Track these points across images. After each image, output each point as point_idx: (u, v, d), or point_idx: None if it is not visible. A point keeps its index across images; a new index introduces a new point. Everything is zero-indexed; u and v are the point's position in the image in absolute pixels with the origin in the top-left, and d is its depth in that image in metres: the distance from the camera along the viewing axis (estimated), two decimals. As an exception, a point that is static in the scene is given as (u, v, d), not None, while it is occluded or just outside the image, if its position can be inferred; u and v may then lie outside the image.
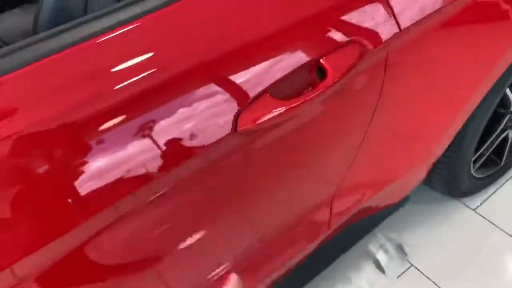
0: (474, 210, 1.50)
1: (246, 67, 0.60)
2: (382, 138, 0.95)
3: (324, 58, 0.65)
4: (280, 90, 0.63)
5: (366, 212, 1.18)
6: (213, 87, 0.58)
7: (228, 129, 0.59)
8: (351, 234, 1.28)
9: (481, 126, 1.19)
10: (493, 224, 1.45)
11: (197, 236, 0.72)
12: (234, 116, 0.59)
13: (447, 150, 1.20)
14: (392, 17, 0.71)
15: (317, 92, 0.64)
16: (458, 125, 1.11)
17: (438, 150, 1.17)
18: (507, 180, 1.56)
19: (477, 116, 1.14)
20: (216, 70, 0.58)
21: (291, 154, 0.76)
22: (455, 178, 1.31)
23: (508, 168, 1.53)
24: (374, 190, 1.05)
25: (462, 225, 1.46)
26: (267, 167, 0.72)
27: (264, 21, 0.62)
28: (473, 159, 1.30)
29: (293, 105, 0.62)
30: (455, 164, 1.25)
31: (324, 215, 0.94)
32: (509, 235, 1.41)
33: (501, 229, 1.43)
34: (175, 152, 0.57)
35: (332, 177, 0.89)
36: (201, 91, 0.58)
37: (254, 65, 0.60)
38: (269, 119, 0.61)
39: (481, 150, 1.31)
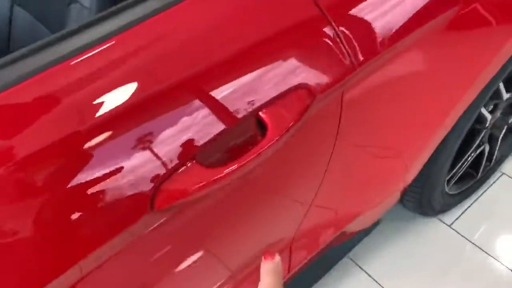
0: (449, 226, 1.43)
1: (162, 128, 0.49)
2: (344, 176, 0.85)
3: (264, 110, 0.55)
4: (210, 154, 0.52)
5: (338, 239, 1.10)
6: (121, 155, 0.47)
7: (142, 209, 0.48)
8: (323, 262, 1.21)
9: (455, 146, 1.11)
10: (469, 240, 1.39)
11: None
12: (150, 192, 0.48)
13: (420, 171, 1.12)
14: (345, 52, 0.60)
15: (256, 154, 0.53)
16: (430, 149, 1.03)
17: (411, 175, 1.08)
18: (482, 193, 1.50)
19: (451, 137, 1.05)
20: (121, 131, 0.47)
21: (233, 211, 0.66)
22: (428, 198, 1.23)
23: (484, 181, 1.46)
24: (338, 228, 0.96)
25: (438, 242, 1.40)
26: (204, 231, 0.62)
27: (187, 68, 0.51)
28: (447, 178, 1.23)
29: (225, 172, 0.51)
30: (428, 185, 1.18)
31: (283, 262, 0.85)
32: (484, 251, 1.36)
33: (476, 246, 1.37)
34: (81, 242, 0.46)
35: (286, 227, 0.79)
36: (106, 161, 0.46)
37: (173, 125, 0.50)
38: (197, 191, 0.50)
39: (455, 169, 1.23)
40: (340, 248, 1.21)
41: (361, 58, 0.61)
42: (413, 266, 1.36)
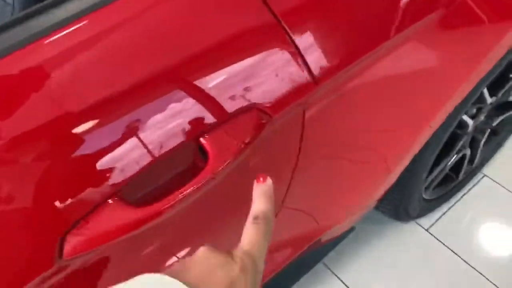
0: (427, 230, 1.39)
1: (79, 159, 0.41)
2: (314, 189, 0.79)
3: (206, 136, 0.47)
4: (137, 188, 0.44)
5: (312, 247, 1.04)
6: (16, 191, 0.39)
7: (45, 259, 0.40)
8: (296, 268, 1.16)
9: (433, 154, 1.04)
10: (446, 246, 1.34)
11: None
12: (58, 238, 0.41)
13: (397, 178, 1.06)
14: (304, 66, 0.52)
15: (193, 187, 0.45)
16: (406, 161, 0.96)
17: (392, 181, 1.02)
18: (463, 196, 1.45)
19: (428, 145, 0.99)
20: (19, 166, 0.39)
21: (182, 229, 0.58)
22: (404, 205, 1.17)
23: (465, 184, 1.41)
24: (310, 239, 0.90)
25: (414, 247, 1.35)
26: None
27: (111, 85, 0.43)
28: (425, 186, 1.17)
29: (155, 212, 0.43)
30: (404, 193, 1.12)
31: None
32: (461, 258, 1.31)
33: (453, 251, 1.33)
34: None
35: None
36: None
37: (91, 154, 0.42)
38: (118, 236, 0.43)
39: (434, 175, 1.17)
40: (313, 254, 1.16)
41: (324, 73, 0.53)
42: (387, 271, 1.31)
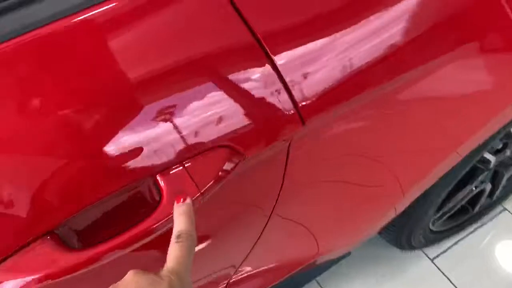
0: (432, 260, 1.30)
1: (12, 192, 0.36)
2: (304, 221, 0.72)
3: (163, 172, 0.41)
4: (74, 231, 0.39)
5: (307, 267, 0.99)
6: None
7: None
8: (289, 284, 1.11)
9: (448, 187, 0.95)
10: (450, 280, 1.26)
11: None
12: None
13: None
14: (288, 98, 0.44)
15: (142, 231, 0.40)
16: (421, 189, 0.87)
17: (394, 214, 0.94)
18: (477, 228, 1.34)
19: (444, 178, 0.90)
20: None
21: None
22: (407, 236, 1.09)
23: (480, 217, 1.30)
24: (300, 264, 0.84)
25: (415, 277, 1.26)
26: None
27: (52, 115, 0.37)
28: (434, 218, 1.08)
29: (91, 257, 0.38)
30: (409, 225, 1.03)
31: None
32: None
33: (455, 286, 1.24)
34: None
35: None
36: None
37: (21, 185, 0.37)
38: (45, 279, 0.38)
39: (445, 209, 1.08)
40: (307, 273, 1.11)
41: (312, 109, 0.46)
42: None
